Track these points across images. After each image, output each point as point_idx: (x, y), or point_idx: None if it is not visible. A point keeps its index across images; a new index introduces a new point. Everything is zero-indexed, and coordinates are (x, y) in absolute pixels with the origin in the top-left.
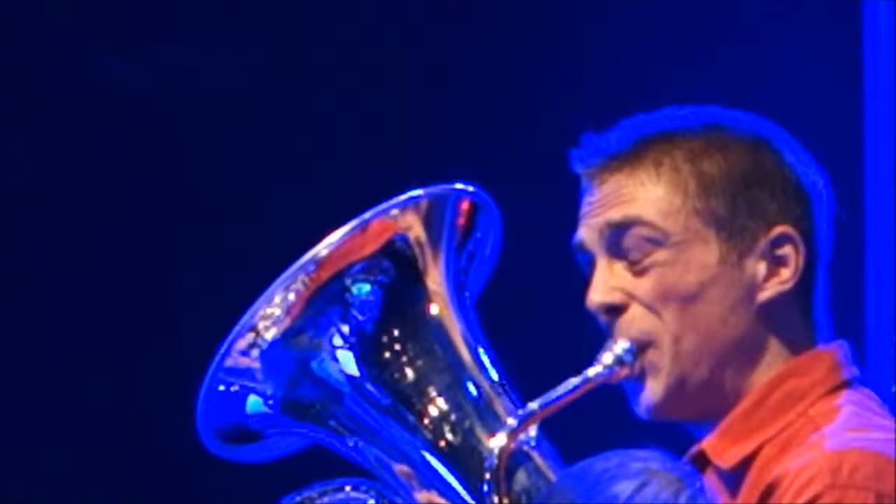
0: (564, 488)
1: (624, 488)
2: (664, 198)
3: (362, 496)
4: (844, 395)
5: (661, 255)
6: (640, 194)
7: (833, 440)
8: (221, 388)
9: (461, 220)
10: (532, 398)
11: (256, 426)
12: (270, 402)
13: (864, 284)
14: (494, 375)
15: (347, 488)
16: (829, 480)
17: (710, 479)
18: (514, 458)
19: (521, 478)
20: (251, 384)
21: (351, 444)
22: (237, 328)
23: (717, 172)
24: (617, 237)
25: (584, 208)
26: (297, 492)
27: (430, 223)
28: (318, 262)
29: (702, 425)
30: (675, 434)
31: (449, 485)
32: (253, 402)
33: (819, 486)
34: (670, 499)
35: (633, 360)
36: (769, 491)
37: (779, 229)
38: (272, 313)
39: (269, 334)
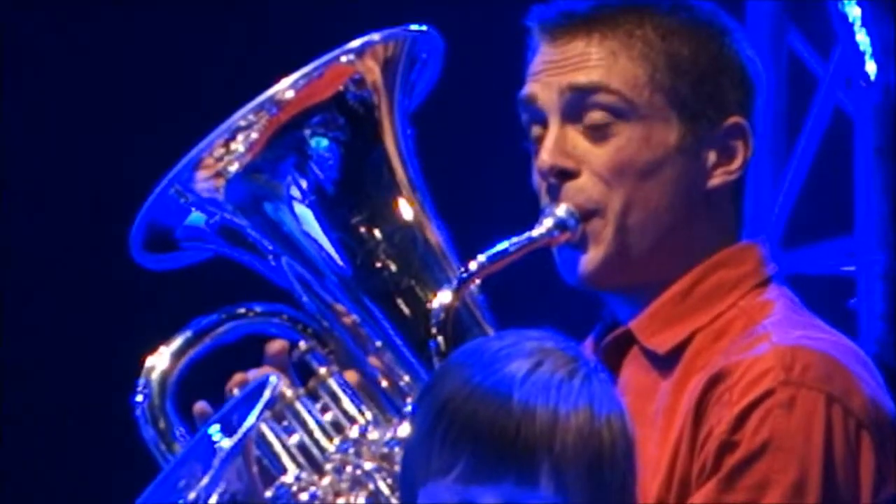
0: (459, 366)
1: (519, 367)
2: (631, 69)
3: (276, 319)
4: (771, 290)
5: (622, 126)
6: (608, 62)
7: (781, 335)
8: (172, 192)
9: (414, 60)
10: (469, 250)
11: (181, 236)
12: (212, 222)
13: None
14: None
15: (257, 310)
16: (783, 377)
17: (636, 358)
18: (457, 314)
19: (465, 333)
20: (202, 202)
21: (273, 263)
22: (196, 149)
23: (687, 54)
24: (578, 101)
25: (540, 66)
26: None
27: (386, 66)
28: (280, 104)
29: (621, 302)
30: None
31: (391, 329)
32: (194, 217)
33: (772, 381)
34: (565, 378)
35: (577, 225)
36: (716, 380)
37: (733, 119)
38: (235, 149)
39: (233, 167)
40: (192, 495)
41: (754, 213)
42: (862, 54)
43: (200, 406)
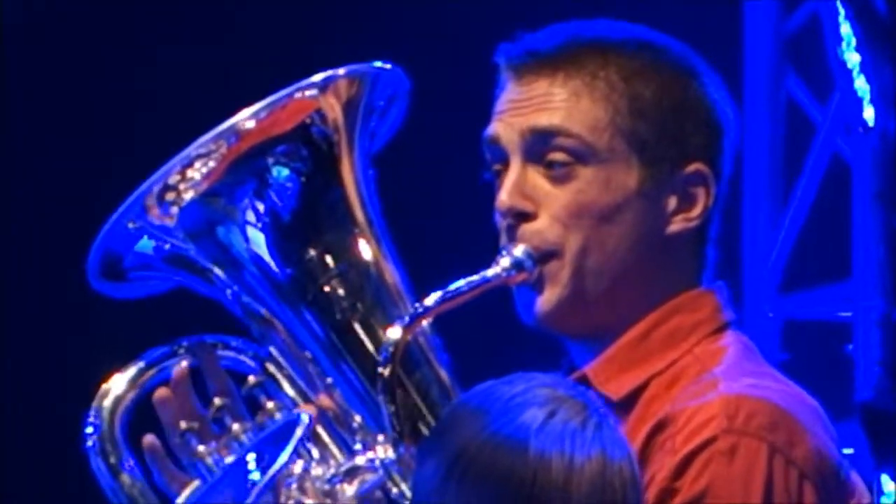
0: (472, 413)
1: (534, 416)
2: (593, 112)
3: (232, 354)
4: (727, 337)
5: (582, 169)
6: (570, 104)
7: (729, 384)
8: (125, 220)
9: (377, 99)
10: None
11: (129, 265)
12: (162, 248)
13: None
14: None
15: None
16: (726, 425)
17: None
18: (409, 351)
19: (414, 371)
20: (153, 230)
21: (230, 295)
22: (154, 177)
23: (650, 97)
24: (539, 143)
25: (505, 105)
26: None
27: (348, 104)
28: (239, 133)
29: (579, 348)
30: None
31: (343, 365)
32: (143, 243)
33: (715, 429)
34: (578, 428)
35: (534, 266)
36: (660, 426)
37: (695, 166)
38: (192, 176)
39: (188, 195)
40: None
41: (752, 259)
42: (860, 101)
43: (150, 440)
